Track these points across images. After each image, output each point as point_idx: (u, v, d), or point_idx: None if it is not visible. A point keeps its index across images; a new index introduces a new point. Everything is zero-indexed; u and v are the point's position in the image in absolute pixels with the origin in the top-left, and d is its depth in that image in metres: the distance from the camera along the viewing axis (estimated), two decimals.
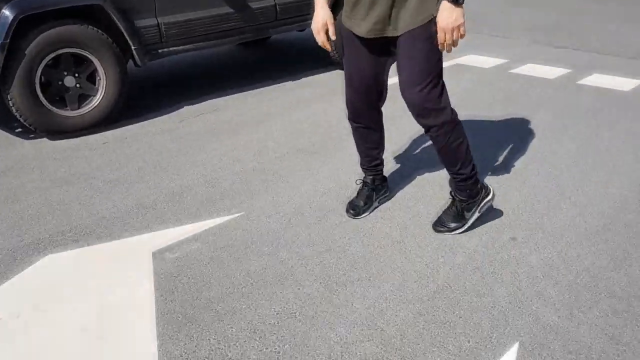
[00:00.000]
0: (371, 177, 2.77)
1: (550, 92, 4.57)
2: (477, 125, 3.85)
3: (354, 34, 2.31)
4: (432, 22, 2.18)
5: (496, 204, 2.71)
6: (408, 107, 2.33)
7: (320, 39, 2.35)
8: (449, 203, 2.62)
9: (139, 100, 4.48)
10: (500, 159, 3.34)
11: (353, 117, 2.57)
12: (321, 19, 2.32)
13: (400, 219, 2.70)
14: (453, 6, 2.09)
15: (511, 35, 6.63)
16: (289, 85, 4.83)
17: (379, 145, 2.69)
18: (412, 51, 2.23)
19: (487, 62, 5.46)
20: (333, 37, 2.33)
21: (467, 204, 2.53)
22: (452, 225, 2.55)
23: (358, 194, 2.78)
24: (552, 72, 5.13)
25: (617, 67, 5.27)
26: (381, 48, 2.33)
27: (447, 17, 2.10)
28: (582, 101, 4.33)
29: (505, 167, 3.22)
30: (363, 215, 2.72)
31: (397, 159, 3.35)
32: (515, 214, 2.73)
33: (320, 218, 2.72)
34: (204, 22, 4.15)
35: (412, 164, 3.29)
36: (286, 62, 5.53)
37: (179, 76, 5.15)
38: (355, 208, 2.72)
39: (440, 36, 2.15)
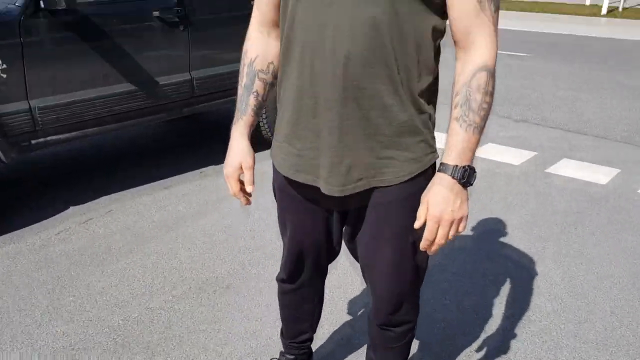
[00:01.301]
0: (293, 356, 1.93)
1: (516, 186, 3.88)
2: None
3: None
4: (426, 175, 1.36)
5: None
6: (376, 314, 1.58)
7: (232, 188, 1.50)
8: None
9: (4, 199, 3.55)
10: (457, 302, 2.57)
11: (287, 279, 1.73)
12: (235, 160, 1.47)
13: None
14: (456, 186, 1.21)
15: None
16: (208, 171, 3.99)
17: (313, 315, 1.86)
18: (394, 241, 1.41)
19: (443, 140, 4.78)
20: (250, 189, 1.48)
21: None
22: None
23: None
24: (516, 156, 4.48)
25: (585, 148, 4.68)
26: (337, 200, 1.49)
27: (443, 201, 1.21)
28: (555, 201, 3.65)
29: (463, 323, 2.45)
30: None
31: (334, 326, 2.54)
32: None
33: None
34: (94, 104, 3.29)
35: (350, 334, 2.48)
36: (207, 139, 4.70)
37: (65, 162, 4.24)
38: None
39: (429, 228, 1.23)
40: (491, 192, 3.78)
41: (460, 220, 1.23)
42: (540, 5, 19.93)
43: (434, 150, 1.38)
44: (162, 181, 3.81)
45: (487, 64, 1.21)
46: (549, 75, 7.78)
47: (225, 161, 1.50)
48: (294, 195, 1.48)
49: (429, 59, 1.28)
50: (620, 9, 19.10)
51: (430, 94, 1.36)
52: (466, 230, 3.24)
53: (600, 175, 4.12)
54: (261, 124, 4.23)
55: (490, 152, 4.56)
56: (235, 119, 1.49)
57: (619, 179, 4.06)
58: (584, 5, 20.70)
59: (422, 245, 1.25)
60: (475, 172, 1.23)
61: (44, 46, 3.05)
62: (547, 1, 22.33)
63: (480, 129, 1.22)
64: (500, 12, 17.47)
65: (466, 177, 1.21)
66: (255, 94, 1.46)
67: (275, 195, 1.57)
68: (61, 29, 3.11)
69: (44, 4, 2.97)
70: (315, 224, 1.52)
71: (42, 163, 4.12)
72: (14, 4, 2.94)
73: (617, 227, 3.30)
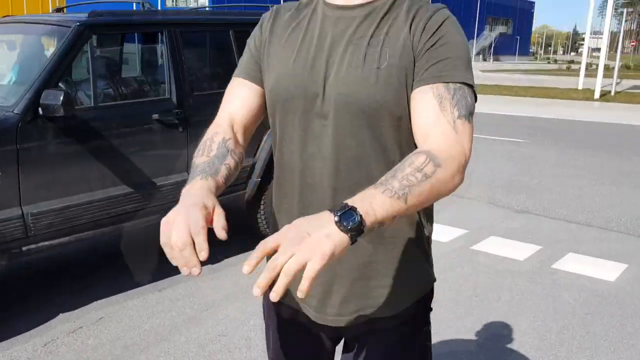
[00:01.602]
0: None
1: (522, 285, 3.76)
2: (437, 342, 2.93)
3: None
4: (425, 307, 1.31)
5: None
6: None
7: (179, 259, 0.96)
8: None
9: None
10: None
11: None
12: (185, 219, 0.98)
13: None
14: (328, 216, 0.91)
15: (469, 193, 5.99)
16: (204, 270, 3.88)
17: None
18: None
19: (445, 233, 4.70)
20: (196, 269, 0.95)
21: None
22: None
23: None
24: (519, 250, 4.38)
25: (591, 241, 4.59)
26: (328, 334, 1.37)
27: (300, 222, 0.91)
28: (564, 302, 3.52)
29: None
30: None
31: None
32: None
33: None
34: (89, 207, 3.24)
35: None
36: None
37: (56, 261, 4.14)
38: None
39: (267, 241, 0.89)
40: (497, 291, 3.65)
41: (313, 250, 0.86)
42: (534, 90, 20.48)
43: (433, 279, 1.32)
44: (153, 283, 3.69)
45: (431, 151, 1.05)
46: (547, 161, 7.82)
47: (166, 218, 1.01)
48: (281, 316, 1.39)
49: None
50: (612, 93, 19.60)
51: (427, 214, 1.28)
52: (471, 334, 3.09)
53: (609, 270, 4.00)
54: (258, 218, 4.17)
55: (492, 246, 4.47)
56: (192, 179, 1.12)
57: (627, 274, 3.94)
58: (577, 89, 21.28)
59: (246, 270, 0.87)
60: (360, 217, 0.91)
61: (40, 152, 3.04)
62: (541, 86, 22.98)
63: (395, 194, 0.97)
64: (494, 97, 17.92)
65: (343, 213, 0.91)
66: (227, 165, 1.19)
67: (264, 313, 1.47)
68: (58, 134, 3.10)
69: (42, 111, 2.98)
70: (303, 349, 1.41)
71: (31, 264, 4.01)
72: (12, 111, 2.95)
73: (631, 331, 3.15)
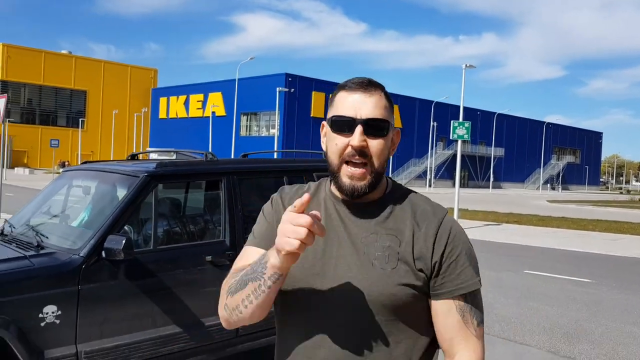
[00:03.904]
0: None
1: None
2: None
3: None
4: None
5: None
6: None
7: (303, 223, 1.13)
8: None
9: None
10: None
11: None
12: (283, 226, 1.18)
13: None
14: None
15: (526, 338, 5.73)
16: None
17: None
18: None
19: None
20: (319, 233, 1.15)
21: None
22: None
23: None
24: None
25: None
26: None
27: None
28: None
29: None
30: None
31: None
32: None
33: None
34: (139, 347, 3.36)
35: None
36: None
37: None
38: None
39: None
40: None
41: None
42: (604, 224, 19.68)
43: None
44: None
45: None
46: (615, 306, 7.41)
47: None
48: None
49: None
50: None
51: None
52: None
53: None
54: None
55: None
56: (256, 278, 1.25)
57: None
58: None
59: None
60: None
61: (98, 292, 3.25)
62: (611, 219, 22.12)
63: None
64: (560, 230, 17.37)
65: None
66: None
67: None
68: (117, 275, 3.33)
69: (105, 254, 3.23)
70: None
71: None
72: (78, 254, 3.21)
73: None
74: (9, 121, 30.62)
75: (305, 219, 1.12)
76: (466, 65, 19.39)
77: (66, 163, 53.14)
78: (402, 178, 57.61)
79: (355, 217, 1.34)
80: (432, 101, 60.33)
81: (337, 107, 1.33)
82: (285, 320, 1.38)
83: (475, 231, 16.36)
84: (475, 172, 66.79)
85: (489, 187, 61.45)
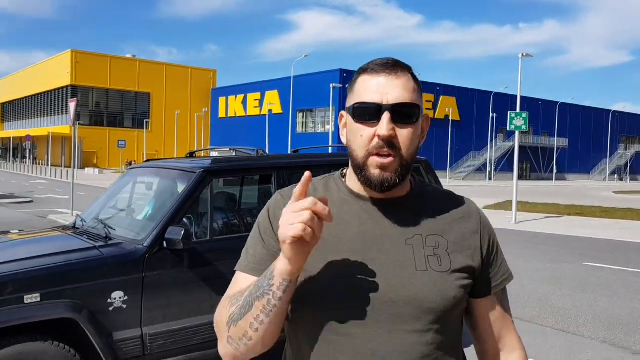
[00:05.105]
0: None
1: None
2: None
3: None
4: None
5: None
6: None
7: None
8: None
9: None
10: None
11: None
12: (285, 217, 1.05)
13: None
14: None
15: (580, 329, 5.69)
16: None
17: None
18: None
19: None
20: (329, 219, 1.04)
21: None
22: None
23: None
24: None
25: None
26: None
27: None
28: None
29: None
30: None
31: None
32: None
33: None
34: (199, 330, 3.62)
35: None
36: None
37: None
38: None
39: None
40: None
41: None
42: None
43: None
44: None
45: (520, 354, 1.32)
46: None
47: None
48: None
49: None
50: None
51: None
52: None
53: None
54: None
55: None
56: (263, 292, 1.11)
57: None
58: None
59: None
60: None
61: (161, 279, 3.53)
62: None
63: None
64: (624, 222, 16.72)
65: None
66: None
67: None
68: (177, 264, 3.60)
69: (166, 244, 3.50)
70: None
71: None
72: (142, 245, 3.50)
73: None
74: (79, 124, 32.21)
75: (307, 201, 1.00)
76: (523, 54, 18.94)
77: (133, 162, 55.25)
78: (461, 172, 56.71)
79: (389, 217, 1.19)
80: (491, 92, 59.05)
81: (360, 92, 1.16)
82: (314, 336, 1.17)
83: (534, 224, 16.03)
84: (538, 164, 64.91)
85: (552, 179, 59.59)
